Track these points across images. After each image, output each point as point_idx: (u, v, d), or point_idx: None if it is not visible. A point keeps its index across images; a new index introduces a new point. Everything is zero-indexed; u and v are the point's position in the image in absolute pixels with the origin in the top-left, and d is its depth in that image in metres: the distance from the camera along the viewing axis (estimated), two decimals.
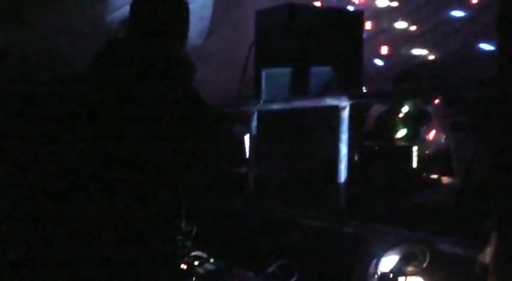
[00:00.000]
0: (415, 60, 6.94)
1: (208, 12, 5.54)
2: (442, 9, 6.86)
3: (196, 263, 3.05)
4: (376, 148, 4.18)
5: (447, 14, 6.89)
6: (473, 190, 3.42)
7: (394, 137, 4.75)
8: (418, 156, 4.08)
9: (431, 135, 4.87)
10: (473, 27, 6.57)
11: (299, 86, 3.97)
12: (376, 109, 4.91)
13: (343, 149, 3.21)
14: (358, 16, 4.82)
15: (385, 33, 7.10)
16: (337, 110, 3.21)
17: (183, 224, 3.46)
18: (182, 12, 2.00)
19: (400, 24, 7.24)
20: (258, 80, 4.17)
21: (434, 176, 4.10)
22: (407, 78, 4.95)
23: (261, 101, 3.81)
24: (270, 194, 3.68)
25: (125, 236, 1.58)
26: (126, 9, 1.99)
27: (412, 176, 3.98)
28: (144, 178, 1.62)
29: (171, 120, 1.70)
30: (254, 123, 3.71)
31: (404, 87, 4.73)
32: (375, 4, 7.01)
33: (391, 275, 2.52)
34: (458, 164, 3.82)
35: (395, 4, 7.14)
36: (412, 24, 7.16)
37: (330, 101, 3.31)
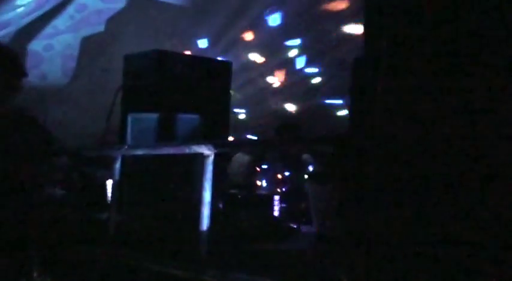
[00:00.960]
0: (278, 113, 7.24)
1: (74, 52, 5.41)
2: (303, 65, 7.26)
3: None
4: (239, 196, 4.26)
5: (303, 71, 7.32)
6: (329, 238, 3.57)
7: (257, 185, 4.87)
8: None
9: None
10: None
11: (166, 133, 3.96)
12: (240, 156, 5.03)
13: (207, 196, 3.20)
14: (227, 66, 4.92)
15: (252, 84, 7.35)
16: (202, 157, 3.22)
17: (35, 275, 3.29)
18: None
19: (268, 79, 7.57)
20: (124, 125, 4.12)
21: (294, 226, 4.24)
22: (288, 129, 5.27)
23: (126, 147, 3.74)
24: (132, 241, 3.58)
25: None
26: None
27: (274, 225, 4.09)
28: None
29: None
30: (117, 168, 3.64)
31: (265, 139, 4.91)
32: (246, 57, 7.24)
33: None
34: (315, 214, 3.99)
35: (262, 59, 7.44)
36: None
37: (196, 149, 3.31)
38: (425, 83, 1.67)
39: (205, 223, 3.21)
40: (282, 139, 4.21)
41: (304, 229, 4.23)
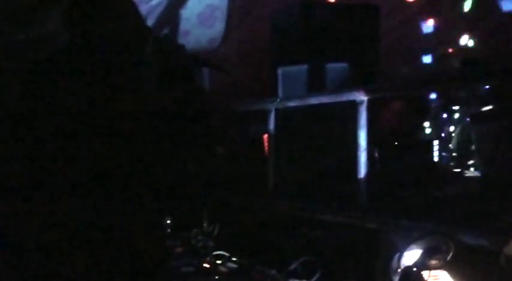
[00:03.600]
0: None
1: (223, 15, 5.54)
2: None
3: (218, 262, 3.05)
4: (396, 143, 4.15)
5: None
6: (496, 181, 3.37)
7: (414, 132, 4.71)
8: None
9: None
10: None
11: (315, 83, 3.95)
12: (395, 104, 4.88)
13: (363, 143, 3.17)
14: (374, 10, 4.76)
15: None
16: (354, 105, 3.19)
17: (204, 224, 3.49)
18: None
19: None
20: (274, 79, 4.16)
21: (457, 170, 4.06)
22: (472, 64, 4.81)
23: (278, 99, 3.79)
24: (291, 191, 3.65)
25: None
26: None
27: (434, 170, 3.94)
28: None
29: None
30: (272, 122, 3.69)
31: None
32: None
33: (415, 269, 2.49)
34: (480, 157, 3.78)
35: None
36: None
37: (347, 96, 3.28)
38: None
39: (362, 170, 3.19)
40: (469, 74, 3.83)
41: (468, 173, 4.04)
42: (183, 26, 5.27)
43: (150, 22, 4.77)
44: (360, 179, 3.23)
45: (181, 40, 5.31)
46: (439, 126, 4.86)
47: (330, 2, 5.14)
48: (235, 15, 5.59)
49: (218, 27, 5.39)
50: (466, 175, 4.01)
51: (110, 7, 1.50)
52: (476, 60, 5.12)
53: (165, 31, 5.06)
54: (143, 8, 4.01)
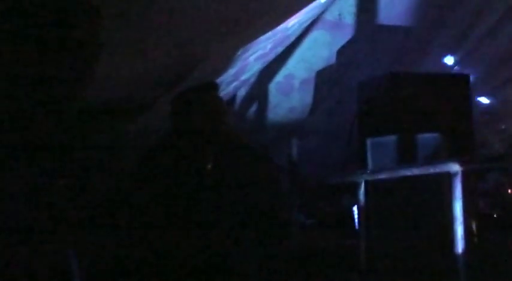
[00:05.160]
0: None
1: (310, 87, 5.61)
2: None
3: None
4: (495, 215, 3.95)
5: None
6: None
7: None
8: None
9: None
10: None
11: (406, 154, 3.87)
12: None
13: (459, 217, 3.03)
14: (465, 79, 4.68)
15: None
16: (448, 177, 3.07)
17: None
18: None
19: None
20: (363, 150, 4.11)
21: None
22: None
23: (368, 171, 3.75)
24: (384, 268, 3.52)
25: None
26: None
27: None
28: None
29: None
30: (362, 193, 3.63)
31: None
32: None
33: None
34: None
35: None
36: None
37: (441, 168, 3.18)
38: None
39: (460, 245, 3.03)
40: None
41: None
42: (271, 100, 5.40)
43: (240, 96, 4.91)
44: (458, 255, 3.07)
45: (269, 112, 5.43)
46: None
47: (418, 72, 5.09)
48: (322, 86, 5.64)
49: (296, 96, 5.46)
50: None
51: None
52: None
53: (255, 104, 5.19)
54: (233, 84, 4.14)
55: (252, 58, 3.77)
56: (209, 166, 2.81)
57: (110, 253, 2.41)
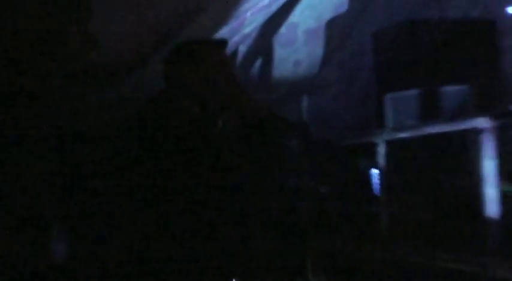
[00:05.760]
0: None
1: (319, 39, 5.27)
2: None
3: None
4: None
5: None
6: None
7: None
8: None
9: None
10: None
11: (429, 110, 3.74)
12: None
13: (491, 178, 2.89)
14: (491, 25, 4.43)
15: None
16: (477, 133, 2.94)
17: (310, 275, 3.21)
18: None
19: None
20: (380, 107, 3.97)
21: None
22: None
23: (388, 130, 3.59)
24: (406, 235, 3.33)
25: None
26: None
27: None
28: None
29: None
30: (382, 155, 3.45)
31: None
32: None
33: None
34: None
35: None
36: None
37: (470, 124, 3.04)
38: None
39: (491, 209, 2.90)
40: None
41: None
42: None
43: (242, 50, 4.60)
44: (488, 218, 2.89)
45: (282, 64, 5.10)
46: None
47: (439, 19, 4.77)
48: (331, 37, 5.27)
49: (302, 48, 5.10)
50: None
51: None
52: None
53: (259, 59, 4.88)
54: (235, 37, 3.83)
55: (252, 10, 3.47)
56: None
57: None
